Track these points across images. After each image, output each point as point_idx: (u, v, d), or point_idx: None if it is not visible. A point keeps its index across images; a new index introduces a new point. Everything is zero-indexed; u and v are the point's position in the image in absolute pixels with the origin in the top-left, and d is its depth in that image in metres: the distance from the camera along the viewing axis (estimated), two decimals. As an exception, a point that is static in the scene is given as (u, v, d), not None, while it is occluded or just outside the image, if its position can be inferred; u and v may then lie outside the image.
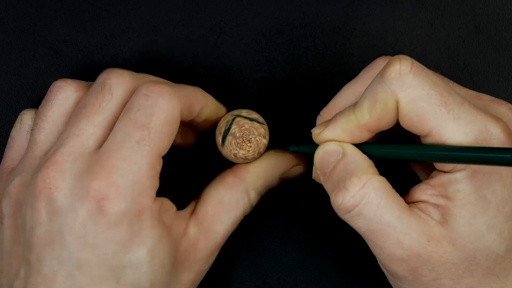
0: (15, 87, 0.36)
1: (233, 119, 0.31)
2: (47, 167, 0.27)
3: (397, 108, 0.27)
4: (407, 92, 0.26)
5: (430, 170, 0.28)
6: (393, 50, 0.36)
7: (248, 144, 0.30)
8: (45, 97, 0.31)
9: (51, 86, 0.30)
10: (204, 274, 0.31)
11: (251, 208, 0.32)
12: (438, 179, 0.27)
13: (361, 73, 0.31)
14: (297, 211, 0.35)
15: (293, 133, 0.36)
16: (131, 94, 0.29)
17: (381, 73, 0.27)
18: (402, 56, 0.27)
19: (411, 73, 0.26)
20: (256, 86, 0.35)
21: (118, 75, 0.29)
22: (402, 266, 0.27)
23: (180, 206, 0.30)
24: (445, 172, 0.27)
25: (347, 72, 0.35)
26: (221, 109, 0.32)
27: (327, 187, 0.29)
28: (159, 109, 0.27)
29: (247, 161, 0.31)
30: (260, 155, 0.31)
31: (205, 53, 0.36)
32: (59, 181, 0.27)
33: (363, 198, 0.26)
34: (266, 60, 0.36)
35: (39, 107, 0.31)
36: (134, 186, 0.26)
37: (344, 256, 0.35)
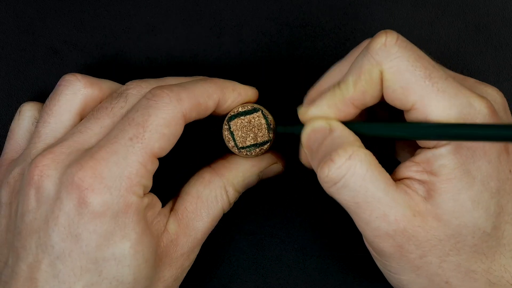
0: (15, 87, 0.36)
1: (229, 125, 0.31)
2: (42, 155, 0.28)
3: (382, 80, 0.27)
4: (392, 63, 0.26)
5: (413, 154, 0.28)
6: (393, 50, 0.36)
7: (260, 134, 0.31)
8: (53, 90, 0.31)
9: (60, 80, 0.31)
10: (186, 270, 0.31)
11: (230, 206, 0.32)
12: (422, 156, 0.27)
13: (349, 54, 0.31)
14: (297, 211, 0.35)
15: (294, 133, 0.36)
16: None
17: (367, 46, 0.27)
18: (388, 30, 0.27)
19: (396, 45, 0.26)
20: (256, 86, 0.35)
21: (136, 85, 0.30)
22: (388, 242, 0.27)
23: (163, 202, 0.30)
24: (429, 148, 0.27)
25: (347, 72, 0.35)
26: (249, 91, 0.32)
27: (314, 163, 0.28)
28: (157, 111, 0.27)
29: (265, 151, 0.31)
30: (274, 133, 0.31)
31: (205, 53, 0.36)
32: (51, 170, 0.27)
33: (349, 169, 0.26)
34: (266, 60, 0.36)
35: (47, 100, 0.31)
36: (120, 180, 0.27)
37: (344, 256, 0.35)
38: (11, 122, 0.33)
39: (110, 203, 0.26)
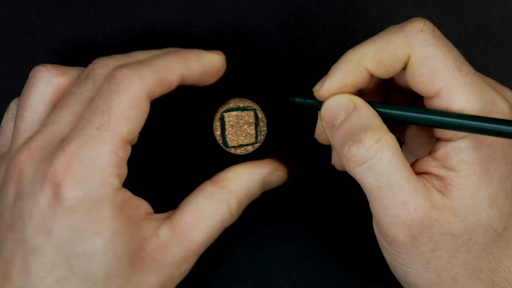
0: (15, 87, 0.36)
1: (221, 118, 0.31)
2: (20, 152, 0.28)
3: (404, 63, 0.27)
4: (425, 49, 0.27)
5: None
6: (393, 50, 0.36)
7: (250, 133, 0.31)
8: (26, 83, 0.30)
9: (31, 72, 0.30)
10: (175, 280, 0.30)
11: (232, 218, 0.30)
12: (441, 150, 0.27)
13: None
14: (297, 211, 0.35)
15: (293, 133, 0.36)
16: None
17: (402, 26, 0.27)
18: (425, 19, 0.27)
19: (432, 34, 0.27)
20: (256, 86, 0.35)
21: (102, 64, 0.29)
22: (403, 231, 0.27)
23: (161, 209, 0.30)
24: (447, 141, 0.27)
25: (347, 72, 0.35)
26: (215, 57, 0.30)
27: (335, 139, 0.28)
28: (120, 94, 0.27)
29: (254, 149, 0.31)
30: (265, 134, 0.31)
31: (205, 53, 0.36)
32: (28, 166, 0.27)
33: (377, 152, 0.26)
34: (266, 60, 0.36)
35: (21, 94, 0.30)
36: (93, 173, 0.26)
37: (344, 256, 0.35)
38: (11, 122, 0.33)
39: (83, 198, 0.26)
